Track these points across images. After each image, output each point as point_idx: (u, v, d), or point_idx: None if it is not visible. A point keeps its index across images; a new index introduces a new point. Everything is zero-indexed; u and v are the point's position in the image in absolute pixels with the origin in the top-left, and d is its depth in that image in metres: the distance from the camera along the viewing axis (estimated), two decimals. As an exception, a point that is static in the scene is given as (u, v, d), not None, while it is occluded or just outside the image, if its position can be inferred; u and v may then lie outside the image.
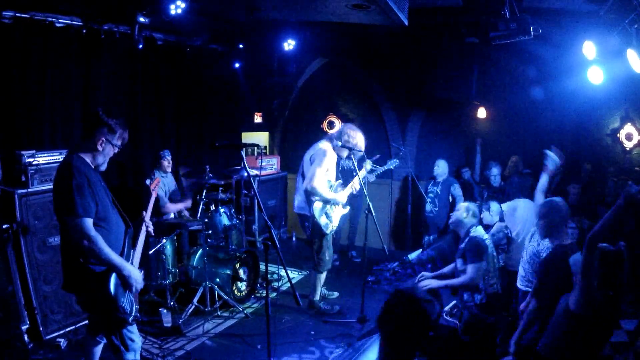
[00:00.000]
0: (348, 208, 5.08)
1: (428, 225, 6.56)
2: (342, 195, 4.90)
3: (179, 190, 5.77)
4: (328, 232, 4.84)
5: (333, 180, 4.91)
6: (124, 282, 2.79)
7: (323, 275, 5.03)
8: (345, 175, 6.17)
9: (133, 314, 2.86)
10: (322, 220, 4.78)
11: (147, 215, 3.25)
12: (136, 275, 2.84)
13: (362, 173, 5.04)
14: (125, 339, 2.87)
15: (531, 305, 3.22)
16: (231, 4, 4.96)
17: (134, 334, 2.93)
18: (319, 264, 4.91)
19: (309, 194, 4.73)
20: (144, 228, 3.17)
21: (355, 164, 4.73)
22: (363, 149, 4.84)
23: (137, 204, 3.42)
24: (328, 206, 4.82)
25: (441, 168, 6.42)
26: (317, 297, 5.04)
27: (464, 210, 4.15)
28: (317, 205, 4.75)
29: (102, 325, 2.97)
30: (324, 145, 4.82)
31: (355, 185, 4.98)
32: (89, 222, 2.64)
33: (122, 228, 2.93)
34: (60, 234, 2.80)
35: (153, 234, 3.34)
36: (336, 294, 5.44)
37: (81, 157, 2.78)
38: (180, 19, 4.83)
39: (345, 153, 4.78)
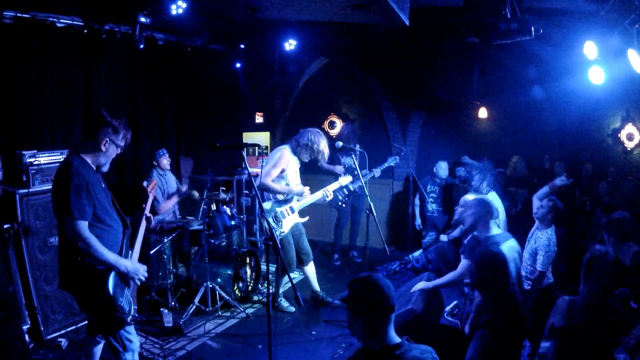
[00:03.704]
0: (307, 218, 4.99)
1: (428, 225, 6.55)
2: (298, 190, 4.80)
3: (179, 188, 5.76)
4: (277, 234, 4.65)
5: (292, 183, 4.84)
6: (123, 278, 2.80)
7: (309, 269, 5.10)
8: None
9: (131, 313, 2.85)
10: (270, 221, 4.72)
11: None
12: (134, 267, 2.84)
13: (332, 186, 5.05)
14: (123, 339, 2.87)
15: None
16: (231, 4, 4.96)
17: (131, 334, 2.93)
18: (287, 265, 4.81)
19: (263, 192, 4.74)
20: (141, 229, 3.17)
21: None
22: (326, 154, 4.86)
23: (136, 204, 3.42)
24: (280, 208, 4.74)
25: (442, 169, 6.41)
26: (316, 287, 5.14)
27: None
28: (266, 206, 4.72)
29: (100, 325, 2.98)
30: (281, 147, 4.86)
31: (327, 192, 4.94)
32: (83, 224, 2.64)
33: (120, 229, 2.94)
34: (58, 233, 2.81)
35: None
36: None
37: (82, 158, 2.78)
38: (181, 19, 4.84)
39: (305, 156, 4.79)
